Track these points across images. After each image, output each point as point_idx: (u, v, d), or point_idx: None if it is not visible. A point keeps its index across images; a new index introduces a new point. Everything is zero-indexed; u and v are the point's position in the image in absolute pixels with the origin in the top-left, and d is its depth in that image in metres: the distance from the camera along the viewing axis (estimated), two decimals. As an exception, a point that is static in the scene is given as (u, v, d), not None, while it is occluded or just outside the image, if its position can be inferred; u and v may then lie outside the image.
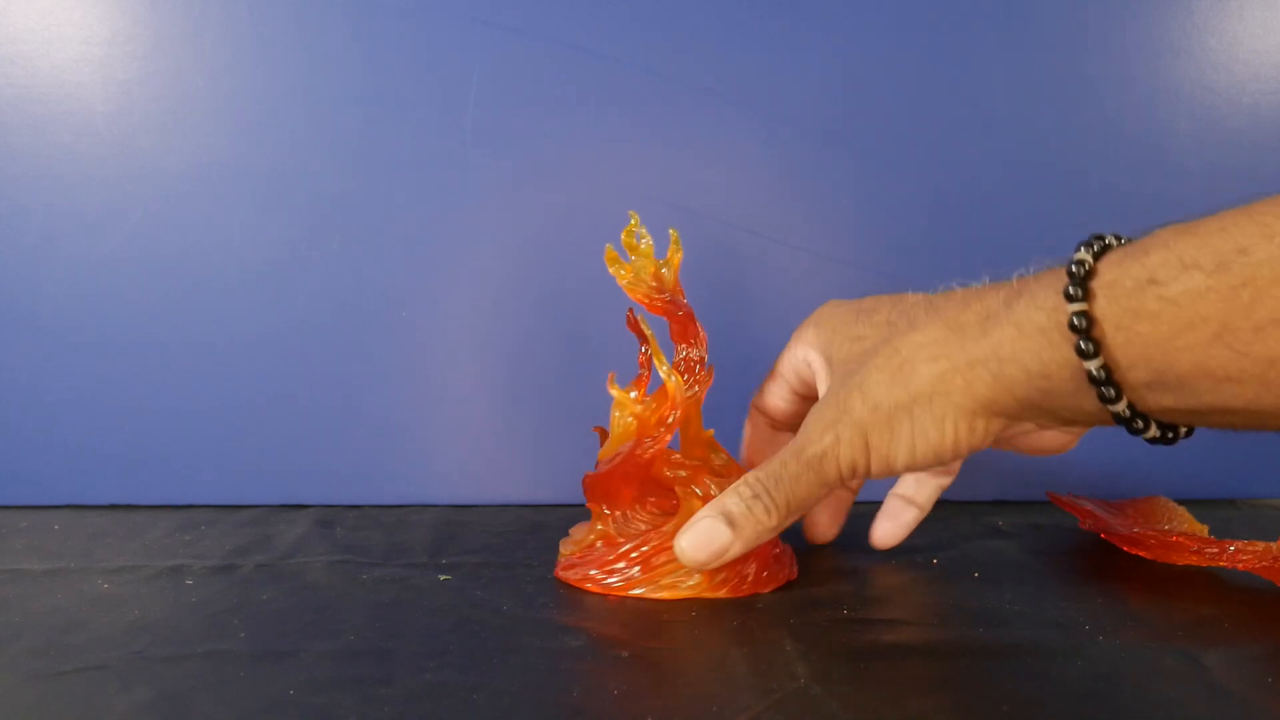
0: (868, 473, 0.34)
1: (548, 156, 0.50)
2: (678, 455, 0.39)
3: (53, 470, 0.49)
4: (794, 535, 0.43)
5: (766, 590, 0.38)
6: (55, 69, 0.47)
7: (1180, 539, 0.42)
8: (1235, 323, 0.26)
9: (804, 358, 0.39)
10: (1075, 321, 0.29)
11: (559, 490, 0.51)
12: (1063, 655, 0.33)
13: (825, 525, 0.44)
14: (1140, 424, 0.30)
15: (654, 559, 0.38)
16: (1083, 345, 0.29)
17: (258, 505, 0.50)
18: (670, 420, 0.38)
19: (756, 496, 0.35)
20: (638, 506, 0.39)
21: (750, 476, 0.36)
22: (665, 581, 0.37)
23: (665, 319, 0.40)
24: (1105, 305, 0.29)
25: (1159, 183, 0.52)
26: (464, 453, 0.51)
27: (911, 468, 0.34)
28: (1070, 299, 0.29)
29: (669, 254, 0.39)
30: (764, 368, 0.42)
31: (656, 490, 0.39)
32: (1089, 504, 0.47)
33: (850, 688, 0.30)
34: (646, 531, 0.39)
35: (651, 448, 0.38)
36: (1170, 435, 0.31)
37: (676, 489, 0.38)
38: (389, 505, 0.50)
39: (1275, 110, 0.52)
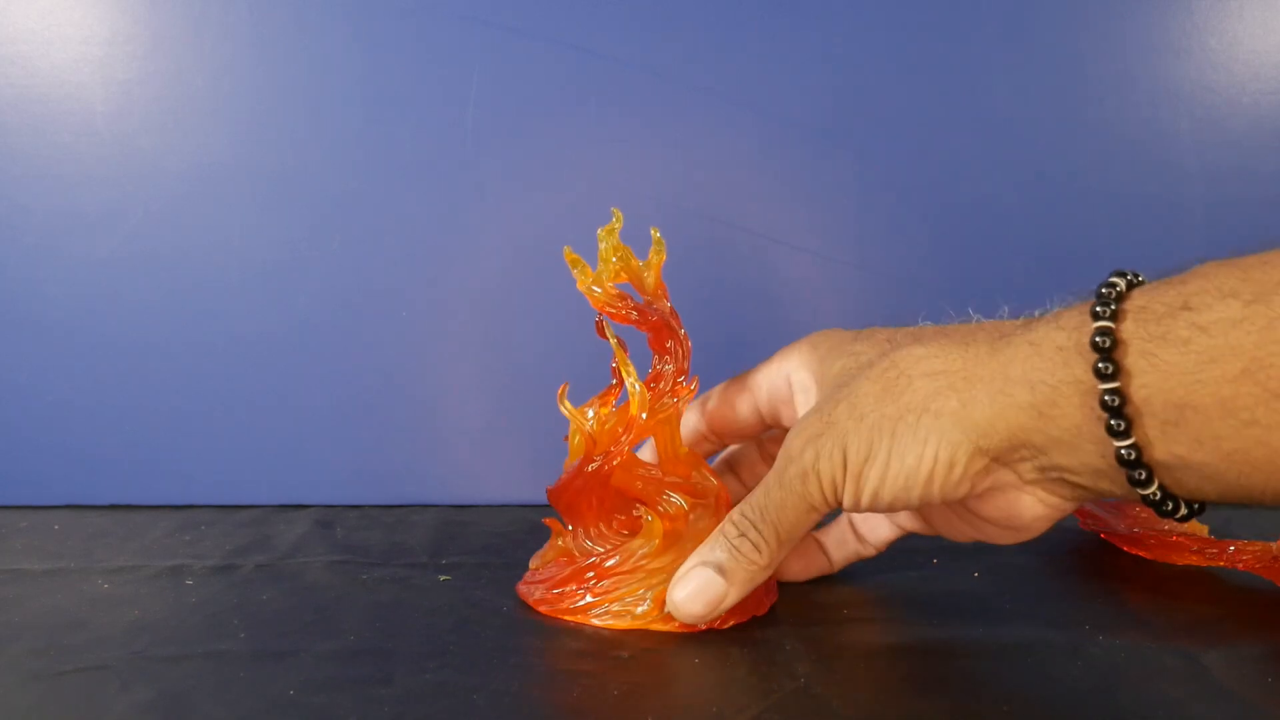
0: (843, 496, 0.31)
1: (548, 156, 0.50)
2: (645, 469, 0.36)
3: (53, 470, 0.49)
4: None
5: (727, 625, 0.35)
6: (55, 69, 0.47)
7: (1180, 539, 0.42)
8: (1269, 359, 0.25)
9: (786, 374, 0.36)
10: (1098, 340, 0.27)
11: (559, 490, 0.51)
12: (1063, 655, 0.33)
13: (795, 572, 0.40)
14: (1142, 474, 0.27)
15: (598, 585, 0.36)
16: (1101, 365, 0.27)
17: (258, 505, 0.50)
18: (625, 438, 0.35)
19: (743, 534, 0.33)
20: (601, 525, 0.37)
21: (734, 513, 0.34)
22: (614, 609, 0.35)
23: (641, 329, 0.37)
24: (1133, 328, 0.27)
25: (1159, 183, 0.52)
26: (464, 453, 0.51)
27: (878, 497, 0.31)
28: (1097, 316, 0.27)
29: (650, 255, 0.37)
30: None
31: (622, 508, 0.37)
32: (1089, 504, 0.47)
33: (850, 688, 0.30)
34: (603, 554, 0.37)
35: (603, 464, 0.36)
36: (1170, 505, 0.28)
37: (641, 509, 0.36)
38: (389, 505, 0.50)
39: (1275, 110, 0.52)
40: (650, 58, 0.50)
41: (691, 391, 0.37)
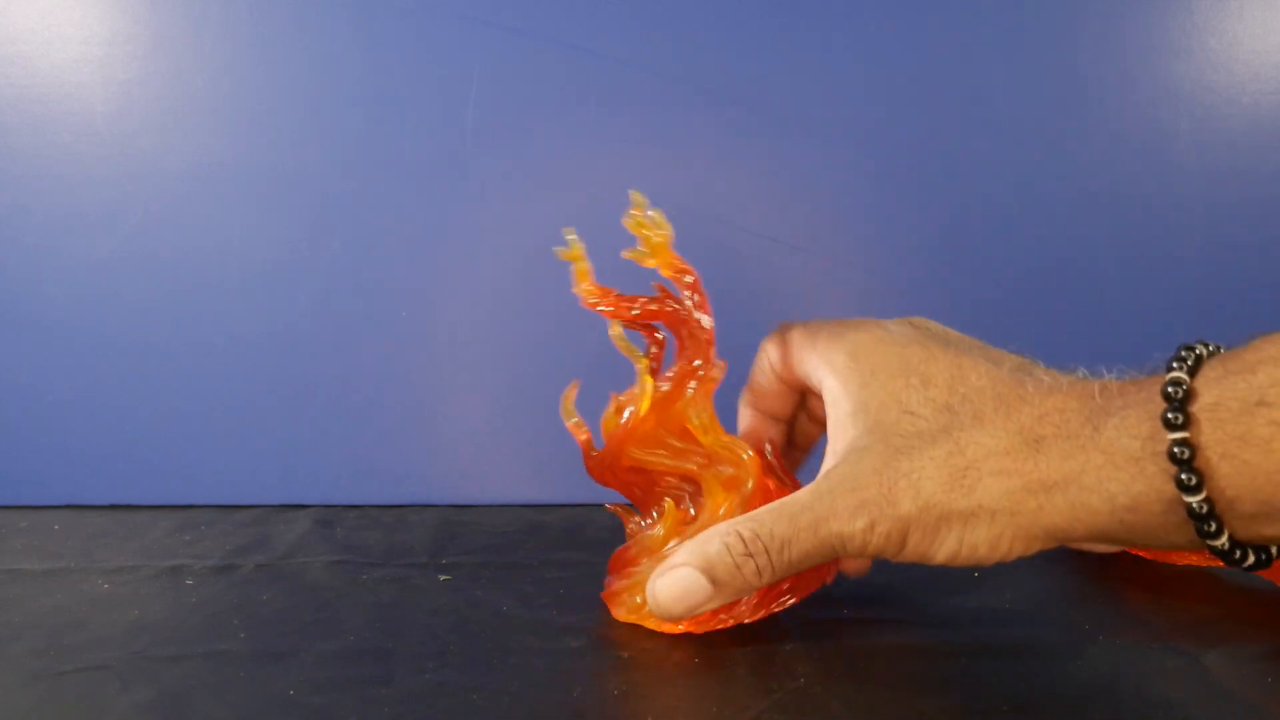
0: (894, 558, 0.31)
1: (548, 156, 0.50)
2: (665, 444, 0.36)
3: (53, 470, 0.49)
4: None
5: (749, 619, 0.35)
6: (55, 69, 0.47)
7: (1180, 539, 0.42)
8: None
9: (820, 374, 0.34)
10: (1176, 451, 0.26)
11: (559, 490, 0.51)
12: (1063, 655, 0.33)
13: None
14: (1239, 554, 0.27)
15: (616, 580, 0.36)
16: (1184, 477, 0.26)
17: (258, 505, 0.50)
18: (625, 420, 0.35)
19: (750, 555, 0.31)
20: (651, 510, 0.37)
21: (747, 529, 0.31)
22: (620, 599, 0.35)
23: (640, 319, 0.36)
24: (1209, 432, 0.26)
25: (1159, 183, 0.52)
26: (464, 453, 0.51)
27: (947, 565, 0.31)
28: (1169, 426, 0.26)
29: (652, 235, 0.35)
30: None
31: (670, 490, 0.37)
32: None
33: (850, 688, 0.30)
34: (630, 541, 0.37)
35: (603, 452, 0.35)
36: (1265, 557, 0.28)
37: (662, 489, 0.36)
38: (389, 505, 0.50)
39: (1275, 110, 0.52)
40: (650, 58, 0.50)
41: (714, 376, 0.36)
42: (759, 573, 0.31)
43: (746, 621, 0.34)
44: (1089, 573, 0.42)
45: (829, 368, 0.34)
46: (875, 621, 0.36)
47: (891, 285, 0.52)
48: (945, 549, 0.30)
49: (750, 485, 0.35)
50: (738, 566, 0.31)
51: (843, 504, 0.30)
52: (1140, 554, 0.43)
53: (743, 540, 0.31)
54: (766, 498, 0.34)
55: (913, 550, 0.30)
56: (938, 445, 0.30)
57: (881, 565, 0.42)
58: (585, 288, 0.36)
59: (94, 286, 0.48)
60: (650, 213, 0.35)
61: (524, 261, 0.50)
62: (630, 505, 0.39)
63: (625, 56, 0.49)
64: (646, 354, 0.37)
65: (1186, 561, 0.42)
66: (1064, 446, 0.28)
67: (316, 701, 0.29)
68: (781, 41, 0.50)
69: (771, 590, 0.34)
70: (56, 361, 0.49)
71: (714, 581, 0.32)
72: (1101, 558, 0.44)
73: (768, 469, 0.36)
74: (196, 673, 0.30)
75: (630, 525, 0.38)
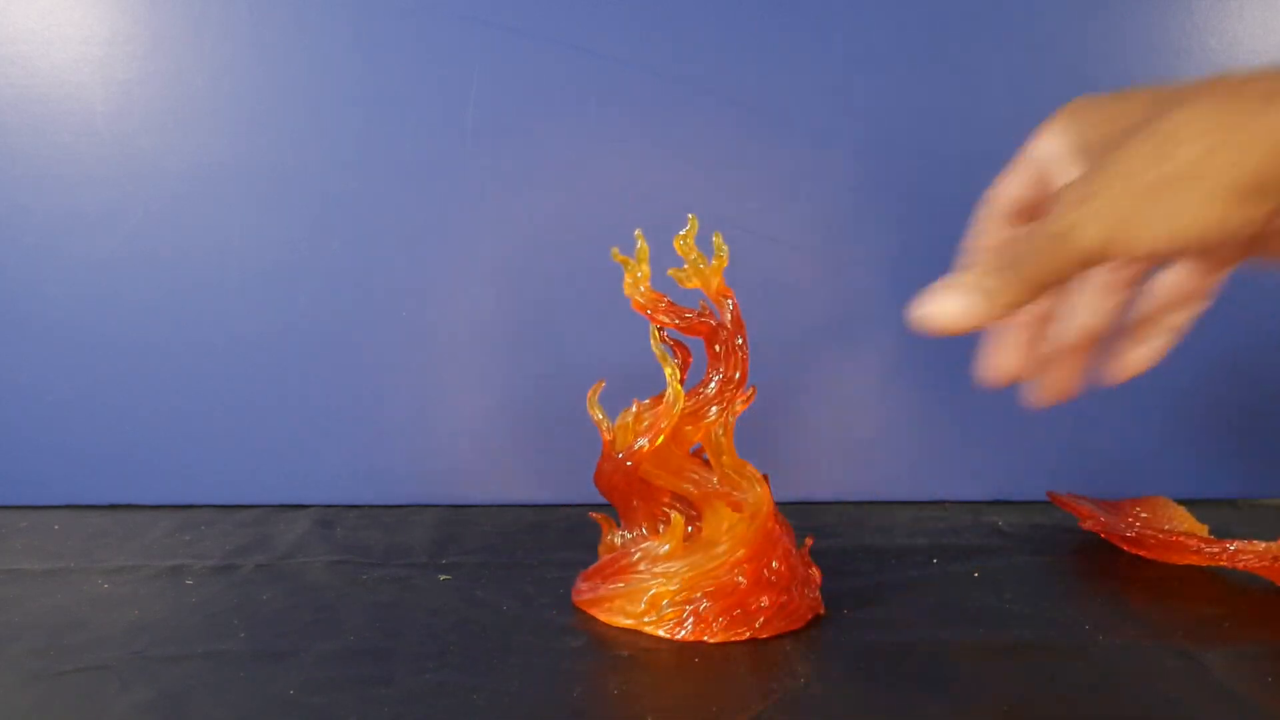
0: (1114, 251, 0.31)
1: (548, 156, 0.50)
2: (688, 468, 0.37)
3: (53, 470, 0.49)
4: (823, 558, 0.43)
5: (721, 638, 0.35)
6: (55, 69, 0.47)
7: (1180, 539, 0.42)
8: None
9: (1046, 150, 0.36)
10: None
11: (559, 490, 0.51)
12: (1063, 655, 0.33)
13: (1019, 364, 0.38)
14: None
15: (604, 584, 0.36)
16: None
17: (258, 505, 0.50)
18: (647, 435, 0.36)
19: (989, 271, 0.32)
20: (650, 523, 0.37)
21: (982, 255, 0.33)
22: (618, 604, 0.36)
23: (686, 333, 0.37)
24: None
25: (1159, 183, 0.52)
26: (464, 453, 0.51)
27: (1168, 248, 0.31)
28: None
29: (713, 261, 0.37)
30: (763, 370, 0.42)
31: (671, 505, 0.37)
32: (1089, 504, 0.47)
33: (850, 687, 0.30)
34: (627, 549, 0.37)
35: (625, 459, 0.36)
36: None
37: (666, 503, 0.37)
38: (389, 505, 0.50)
39: (1275, 110, 0.52)
40: (650, 58, 0.50)
41: (746, 400, 0.37)
42: (1004, 286, 0.31)
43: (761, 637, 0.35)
44: (1089, 573, 0.42)
45: (1054, 133, 0.36)
46: (875, 621, 0.36)
47: (891, 285, 0.52)
48: (1159, 220, 0.30)
49: (765, 509, 0.36)
50: (980, 279, 0.31)
51: (1063, 204, 0.31)
52: (1140, 554, 0.44)
53: (983, 260, 0.32)
54: (773, 518, 0.36)
55: (1129, 232, 0.30)
56: (1141, 131, 0.31)
57: (881, 564, 0.42)
58: (643, 291, 0.36)
59: (94, 286, 0.48)
60: (713, 238, 0.37)
61: (524, 261, 0.50)
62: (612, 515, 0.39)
63: (625, 56, 0.50)
64: (680, 365, 0.37)
65: (1186, 561, 0.42)
66: (1266, 98, 0.29)
67: (316, 701, 0.29)
68: (781, 41, 0.50)
69: (779, 611, 0.35)
70: (56, 361, 0.49)
71: (970, 292, 0.31)
72: (1100, 558, 0.44)
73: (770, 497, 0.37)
74: (196, 673, 0.30)
75: (611, 536, 0.38)
